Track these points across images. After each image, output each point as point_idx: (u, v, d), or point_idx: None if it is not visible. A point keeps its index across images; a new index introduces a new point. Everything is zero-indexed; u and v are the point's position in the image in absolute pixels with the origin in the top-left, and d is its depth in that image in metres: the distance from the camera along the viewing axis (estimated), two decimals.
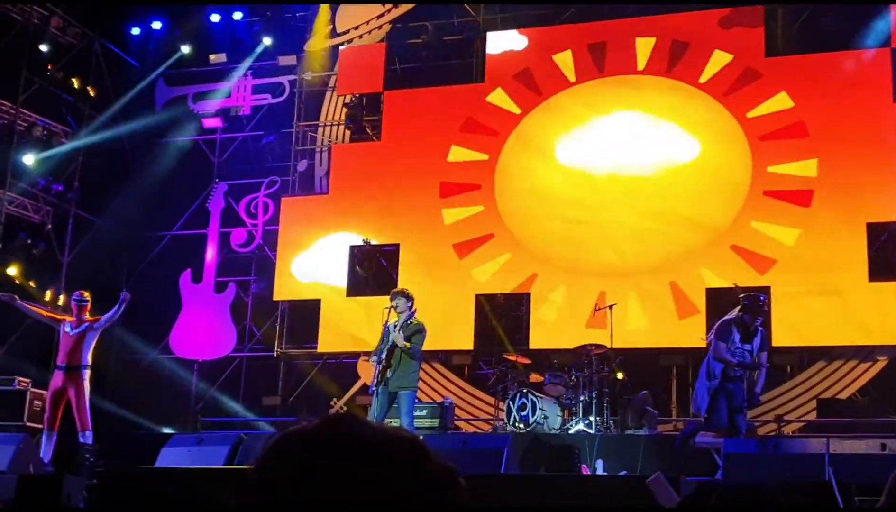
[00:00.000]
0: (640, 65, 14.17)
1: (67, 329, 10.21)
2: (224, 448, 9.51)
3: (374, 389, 9.58)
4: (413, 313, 9.64)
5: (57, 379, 10.19)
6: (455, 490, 1.18)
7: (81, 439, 10.07)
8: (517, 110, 14.56)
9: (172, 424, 14.15)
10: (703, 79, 13.83)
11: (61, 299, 14.95)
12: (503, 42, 14.96)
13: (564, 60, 14.52)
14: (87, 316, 10.33)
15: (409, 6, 15.67)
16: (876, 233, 12.79)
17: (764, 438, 10.94)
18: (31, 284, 14.63)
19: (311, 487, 1.11)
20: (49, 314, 10.69)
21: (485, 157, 14.49)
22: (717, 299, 12.35)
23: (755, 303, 9.41)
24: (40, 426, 13.17)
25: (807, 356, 12.99)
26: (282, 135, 15.98)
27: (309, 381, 14.90)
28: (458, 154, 14.63)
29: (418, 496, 1.13)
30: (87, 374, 10.19)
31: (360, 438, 1.14)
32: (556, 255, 13.84)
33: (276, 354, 15.09)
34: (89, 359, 10.28)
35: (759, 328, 9.41)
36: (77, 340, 10.16)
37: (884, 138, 12.88)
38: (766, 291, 12.77)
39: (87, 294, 10.40)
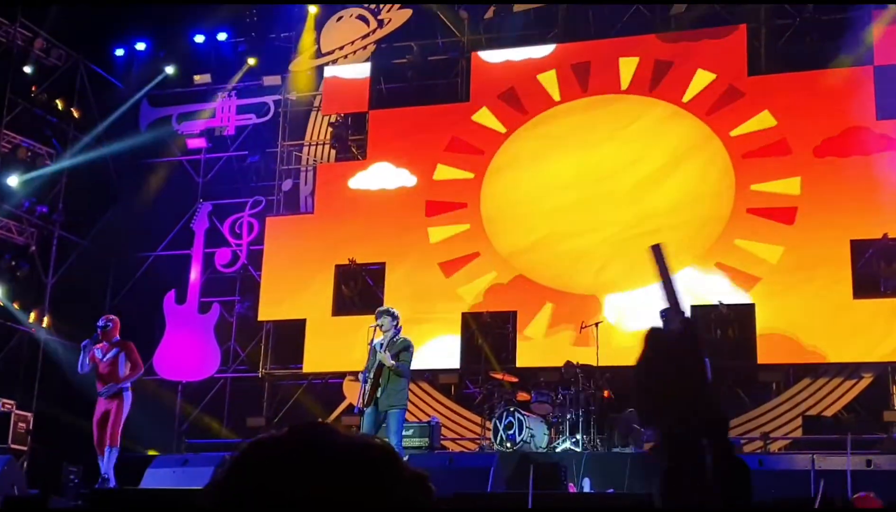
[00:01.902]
0: (624, 84, 14.24)
1: (99, 355, 10.14)
2: (208, 469, 9.45)
3: (360, 409, 9.54)
4: (399, 331, 9.63)
5: (100, 405, 10.09)
6: (426, 497, 1.17)
7: (107, 454, 9.95)
8: (503, 129, 14.60)
9: (157, 445, 14.06)
10: (686, 98, 13.91)
11: (45, 321, 14.88)
12: (489, 59, 15.02)
13: (549, 80, 14.58)
14: (117, 337, 10.24)
15: (394, 26, 15.72)
16: (860, 250, 12.85)
17: (750, 454, 10.95)
18: (16, 305, 14.57)
19: (281, 495, 1.10)
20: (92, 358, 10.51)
21: (470, 175, 14.52)
22: (705, 318, 12.38)
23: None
24: (24, 448, 13.11)
25: (793, 373, 13.01)
26: (266, 154, 15.98)
27: (294, 401, 14.83)
28: (443, 173, 14.65)
29: (389, 503, 1.12)
30: (130, 394, 10.11)
31: (329, 446, 1.13)
32: (542, 273, 13.85)
33: (260, 375, 15.03)
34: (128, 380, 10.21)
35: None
36: (110, 365, 10.08)
37: (867, 155, 12.96)
38: (750, 308, 12.86)
39: (111, 317, 10.31)
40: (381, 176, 14.90)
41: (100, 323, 10.23)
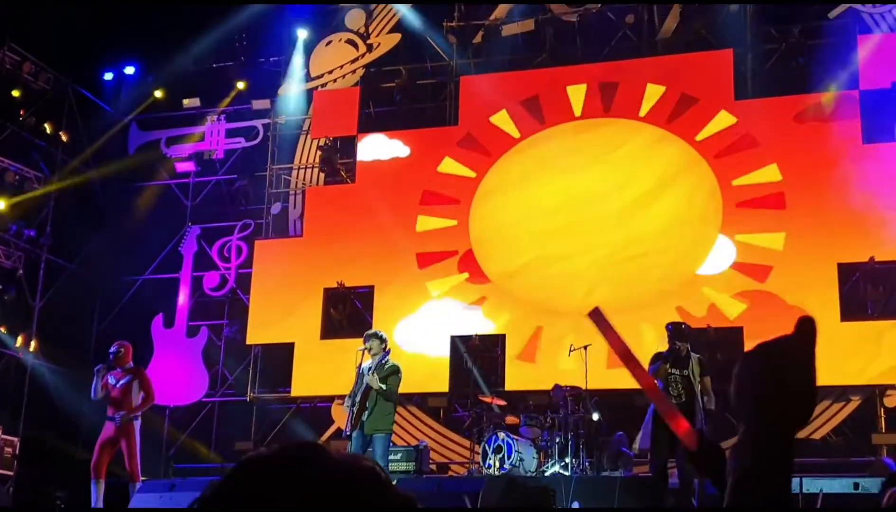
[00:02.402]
0: (612, 108, 14.30)
1: (112, 381, 10.11)
2: (196, 495, 9.35)
3: (348, 433, 9.51)
4: (387, 354, 9.61)
5: (108, 429, 10.06)
6: None
7: (132, 491, 9.96)
8: (492, 154, 14.63)
9: (144, 470, 13.95)
10: (673, 122, 13.95)
11: (32, 345, 14.81)
12: (478, 83, 15.10)
13: (537, 103, 14.62)
14: (130, 363, 10.22)
15: (383, 51, 15.80)
16: (847, 273, 12.90)
17: None
18: (3, 329, 14.50)
19: None
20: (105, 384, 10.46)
21: (458, 199, 14.54)
22: (695, 340, 12.39)
23: (677, 328, 9.61)
24: (11, 473, 13.03)
25: None
26: (255, 178, 15.98)
27: (282, 425, 14.77)
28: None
29: None
30: (139, 423, 10.09)
31: (319, 465, 1.13)
32: (531, 296, 13.86)
33: (249, 399, 14.96)
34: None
35: (693, 354, 9.50)
36: (122, 392, 10.04)
37: (853, 179, 13.02)
38: (738, 331, 12.88)
39: (123, 343, 10.28)
40: (370, 199, 14.90)
41: (112, 349, 10.21)
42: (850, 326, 12.58)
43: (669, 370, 9.38)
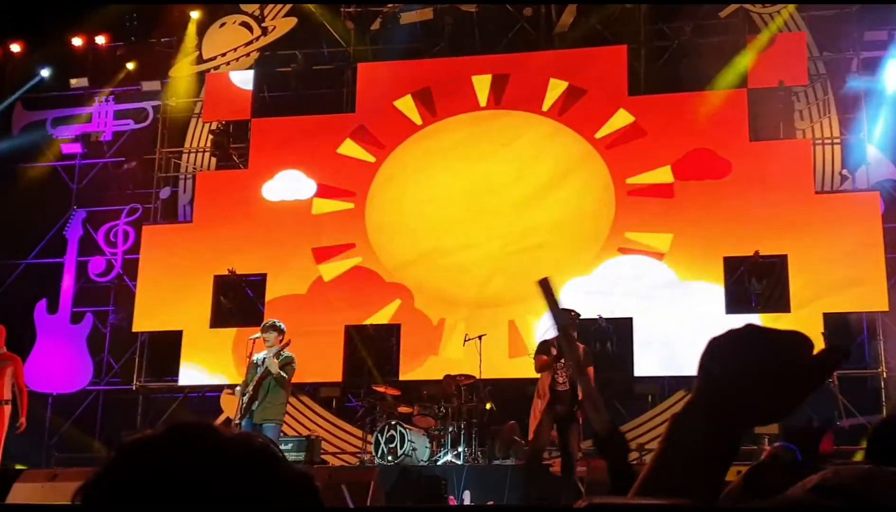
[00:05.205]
0: (508, 100, 14.37)
1: None
2: (79, 484, 9.13)
3: (237, 422, 9.41)
4: (285, 346, 9.55)
5: None
6: (311, 496, 1.13)
7: None
8: (388, 141, 14.57)
9: (25, 459, 13.53)
10: (568, 116, 14.11)
11: None
12: (376, 70, 15.01)
13: (430, 95, 14.61)
14: (3, 347, 9.83)
15: (279, 34, 15.58)
16: (732, 267, 13.25)
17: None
18: None
19: (157, 498, 1.04)
20: None
21: (354, 187, 14.45)
22: (586, 330, 12.57)
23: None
24: None
25: (668, 386, 13.30)
26: (144, 161, 15.61)
27: (169, 415, 14.48)
28: (328, 181, 14.54)
29: (272, 502, 1.08)
30: (9, 409, 9.71)
31: (208, 446, 1.09)
32: (427, 286, 13.85)
33: (134, 388, 14.62)
34: (7, 393, 9.80)
35: (578, 344, 9.62)
36: None
37: (740, 176, 13.38)
38: (628, 321, 13.12)
39: None
40: (263, 185, 14.69)
41: None
42: (735, 318, 12.90)
43: (556, 358, 9.47)
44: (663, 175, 13.60)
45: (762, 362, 1.18)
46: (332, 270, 14.15)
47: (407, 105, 14.62)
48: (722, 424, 1.18)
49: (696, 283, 13.11)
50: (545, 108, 14.21)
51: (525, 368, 13.16)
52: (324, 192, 14.49)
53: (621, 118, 13.94)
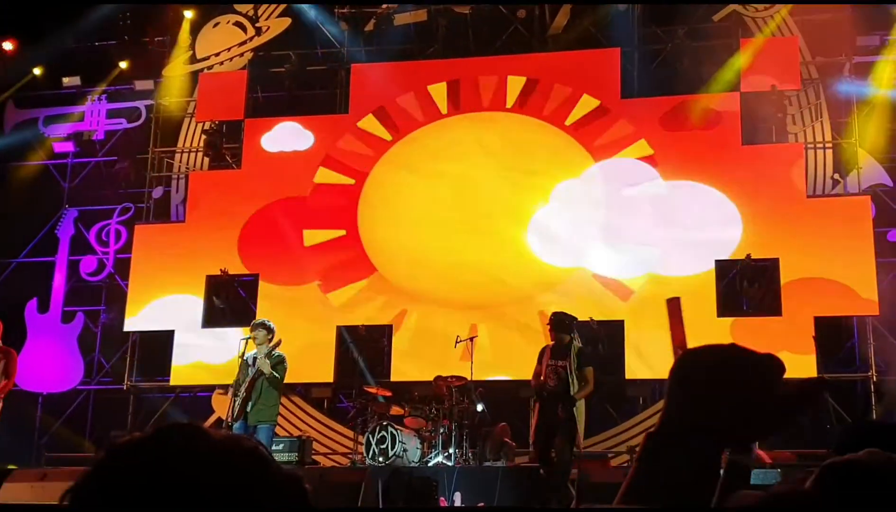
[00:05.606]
0: (504, 102, 14.38)
1: None
2: (68, 484, 9.10)
3: (230, 423, 9.39)
4: (276, 345, 9.53)
5: None
6: (301, 497, 1.13)
7: None
8: (388, 137, 14.56)
9: (15, 458, 13.50)
10: (561, 118, 14.12)
11: None
12: (370, 71, 15.00)
13: (425, 94, 14.61)
14: None
15: (273, 35, 15.56)
16: (724, 270, 13.27)
17: (617, 467, 11.16)
18: None
19: (145, 500, 1.04)
20: None
21: (350, 181, 14.44)
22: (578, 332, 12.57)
23: (557, 318, 9.78)
24: None
25: (658, 389, 13.31)
26: (137, 160, 15.57)
27: (160, 415, 14.45)
28: (322, 181, 14.52)
29: (261, 503, 1.08)
30: None
31: (197, 449, 1.09)
32: (417, 287, 13.85)
33: (125, 387, 14.58)
34: None
35: (574, 344, 9.69)
36: None
37: (732, 179, 13.40)
38: (620, 324, 13.12)
39: None
40: (255, 185, 14.67)
41: None
42: (726, 321, 12.93)
43: (548, 362, 9.52)
44: (656, 187, 13.62)
45: (738, 387, 1.19)
46: (325, 273, 14.12)
47: (406, 102, 14.62)
48: (701, 448, 1.19)
49: (686, 283, 13.11)
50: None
51: (516, 371, 13.19)
52: (313, 200, 14.48)
53: (621, 128, 13.92)
